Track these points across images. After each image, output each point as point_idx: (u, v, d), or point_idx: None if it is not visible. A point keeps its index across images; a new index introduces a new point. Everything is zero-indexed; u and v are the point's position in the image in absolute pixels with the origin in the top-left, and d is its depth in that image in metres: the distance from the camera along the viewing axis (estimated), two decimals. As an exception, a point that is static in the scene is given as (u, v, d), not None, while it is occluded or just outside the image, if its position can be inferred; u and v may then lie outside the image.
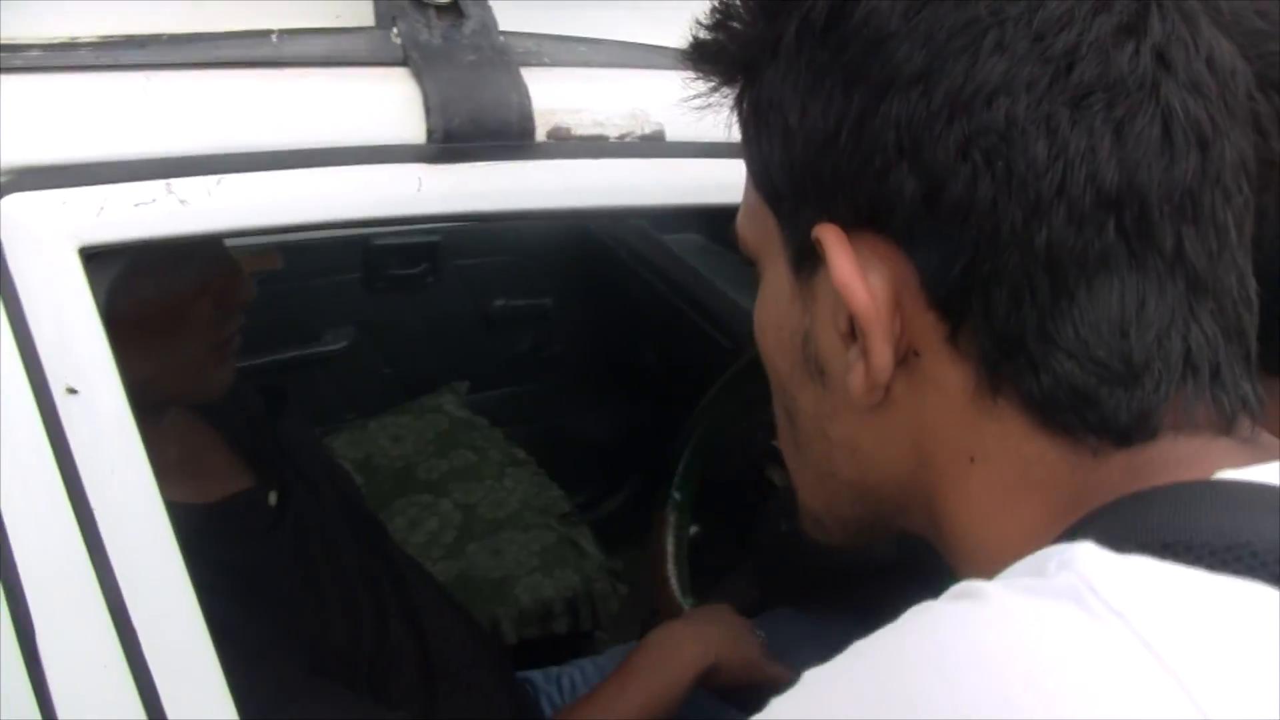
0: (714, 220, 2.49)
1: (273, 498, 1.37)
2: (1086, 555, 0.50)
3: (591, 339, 2.68)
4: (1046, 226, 0.56)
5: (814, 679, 0.52)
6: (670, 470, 1.77)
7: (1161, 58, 0.57)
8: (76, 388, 0.83)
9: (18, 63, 0.84)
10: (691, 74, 0.70)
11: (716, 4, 0.68)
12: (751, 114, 0.66)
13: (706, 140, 1.03)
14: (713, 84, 0.69)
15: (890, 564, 1.47)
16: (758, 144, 0.66)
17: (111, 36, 0.88)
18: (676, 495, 1.75)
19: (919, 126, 0.57)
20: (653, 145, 1.02)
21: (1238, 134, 0.60)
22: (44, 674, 0.83)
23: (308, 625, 1.37)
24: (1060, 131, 0.56)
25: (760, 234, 0.69)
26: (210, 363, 1.29)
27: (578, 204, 1.01)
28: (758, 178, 0.68)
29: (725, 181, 1.04)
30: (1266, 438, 0.61)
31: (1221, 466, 0.58)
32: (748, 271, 2.26)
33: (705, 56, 0.69)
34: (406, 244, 2.42)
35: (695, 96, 0.70)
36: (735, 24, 0.67)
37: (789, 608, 1.70)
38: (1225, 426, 0.60)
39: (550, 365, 2.67)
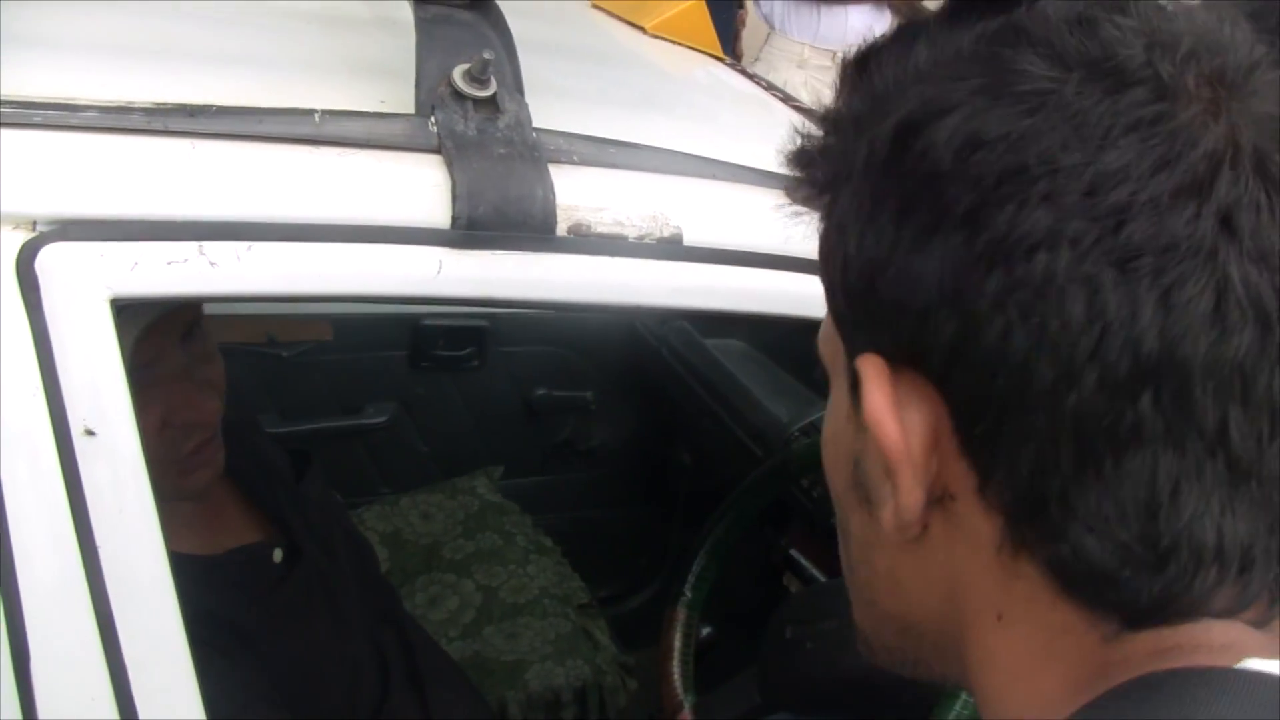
0: (756, 327, 2.53)
1: (278, 554, 1.40)
2: None
3: (629, 435, 2.71)
4: (1076, 391, 0.52)
5: None
6: (684, 571, 1.79)
7: (1226, 222, 0.52)
8: (95, 430, 0.87)
9: (74, 121, 0.90)
10: (790, 181, 0.68)
11: (823, 113, 0.66)
12: (826, 233, 0.64)
13: (723, 247, 1.07)
14: (806, 192, 0.66)
15: (889, 677, 1.47)
16: (828, 263, 0.64)
17: (165, 103, 0.93)
18: (688, 594, 1.76)
19: (960, 271, 0.54)
20: (670, 248, 1.05)
21: None
22: (34, 699, 0.86)
23: (303, 684, 1.39)
24: (1101, 293, 0.52)
25: (832, 351, 0.67)
26: (175, 474, 1.28)
27: (592, 299, 1.04)
28: (829, 297, 0.65)
29: (739, 287, 1.08)
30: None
31: (1248, 655, 0.56)
32: (783, 379, 2.29)
33: (803, 167, 0.66)
34: (454, 326, 2.47)
35: (788, 203, 0.68)
36: (831, 136, 0.65)
37: (788, 713, 1.70)
38: (1255, 615, 0.57)
39: (586, 457, 2.69)
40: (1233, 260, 0.52)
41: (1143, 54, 0.54)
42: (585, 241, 1.02)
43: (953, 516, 0.60)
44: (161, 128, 0.92)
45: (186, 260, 0.90)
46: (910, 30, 0.62)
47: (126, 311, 0.89)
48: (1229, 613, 0.56)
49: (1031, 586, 0.58)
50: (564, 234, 1.01)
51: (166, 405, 1.23)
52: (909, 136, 0.57)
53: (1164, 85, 0.54)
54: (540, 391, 2.61)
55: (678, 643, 1.74)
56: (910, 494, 0.59)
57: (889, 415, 0.58)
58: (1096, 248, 0.52)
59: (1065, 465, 0.54)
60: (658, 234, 1.05)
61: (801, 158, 0.66)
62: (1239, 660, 0.55)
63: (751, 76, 1.61)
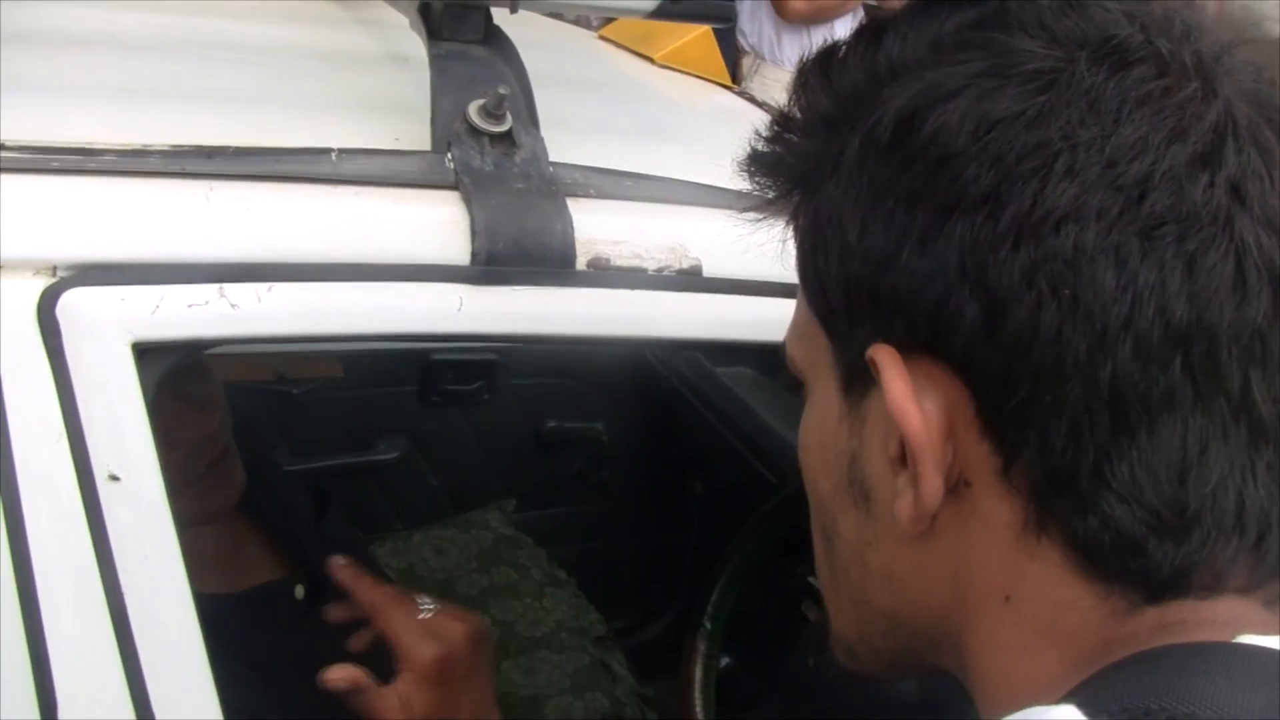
0: (766, 355, 2.52)
1: (299, 590, 1.40)
2: None
3: (641, 465, 2.70)
4: (1111, 360, 0.54)
5: None
6: (702, 601, 1.78)
7: (1236, 191, 0.55)
8: (119, 475, 0.87)
9: (91, 165, 0.90)
10: (744, 185, 0.69)
11: (776, 117, 0.67)
12: (808, 229, 0.64)
13: (743, 278, 1.06)
14: (769, 197, 0.67)
15: (913, 703, 1.47)
16: (813, 260, 0.64)
17: (181, 145, 0.93)
18: (708, 625, 1.76)
19: (984, 249, 0.55)
20: (689, 280, 1.05)
21: None
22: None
23: (329, 715, 1.38)
24: (1130, 262, 0.54)
25: (810, 353, 0.67)
26: (193, 496, 1.27)
27: (612, 332, 1.04)
28: (811, 294, 0.65)
29: (759, 318, 1.08)
30: None
31: (1246, 630, 0.57)
32: (796, 406, 2.28)
33: (763, 168, 0.67)
34: (464, 360, 2.46)
35: (749, 209, 0.69)
36: (795, 137, 0.65)
37: (811, 743, 1.70)
38: (1259, 592, 0.58)
39: (599, 489, 2.68)
40: (1247, 227, 0.54)
41: (1141, 33, 0.57)
42: (605, 275, 1.02)
43: (966, 505, 0.60)
44: (179, 170, 0.92)
45: (207, 303, 0.89)
46: (872, 29, 0.63)
47: (148, 355, 0.89)
48: (1243, 590, 0.57)
49: (1045, 566, 0.58)
50: (583, 268, 1.01)
51: (163, 428, 1.22)
52: (914, 122, 0.57)
53: (1165, 62, 0.57)
54: (551, 423, 2.60)
55: (698, 673, 1.74)
56: (932, 481, 0.59)
57: (912, 403, 0.58)
58: (1122, 218, 0.54)
59: (1100, 435, 0.55)
60: (677, 266, 1.05)
61: (762, 161, 0.67)
62: (1235, 636, 0.56)
63: (762, 105, 1.61)
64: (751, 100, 1.65)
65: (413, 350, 2.40)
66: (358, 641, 1.25)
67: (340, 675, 1.17)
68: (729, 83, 1.69)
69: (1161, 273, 0.54)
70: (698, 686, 1.73)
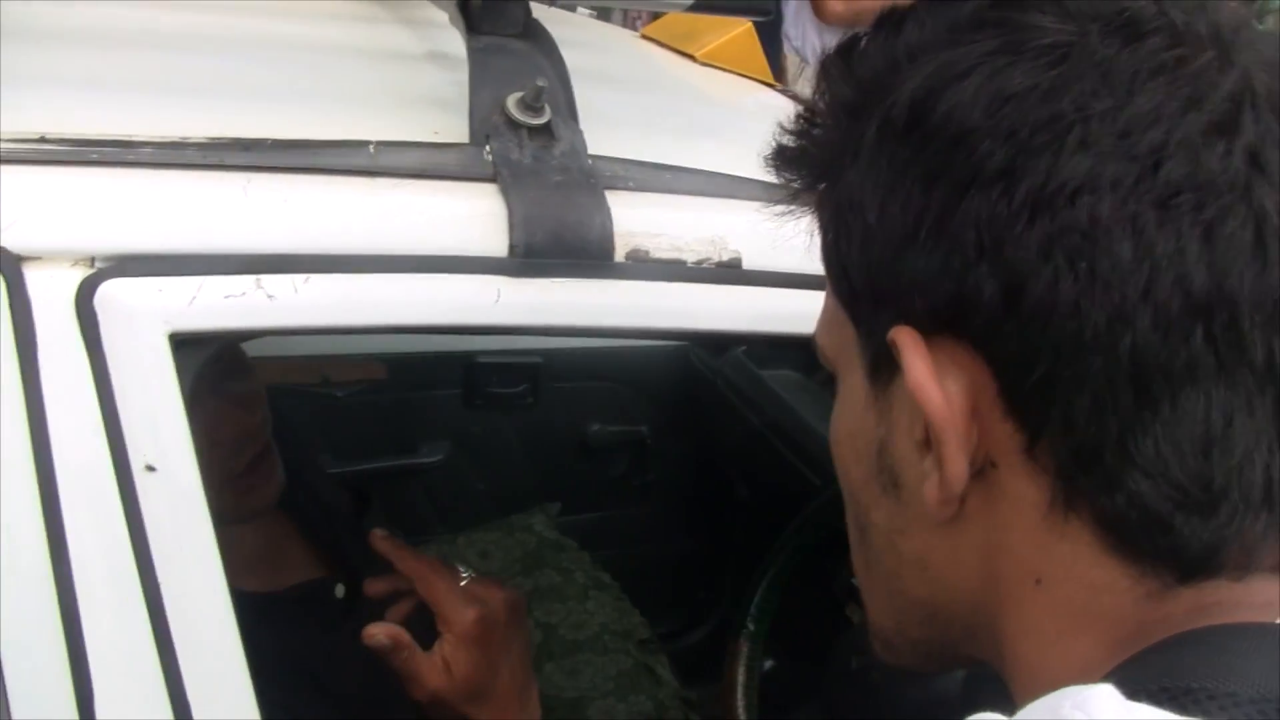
0: (808, 353, 2.50)
1: (340, 590, 1.40)
2: (1101, 700, 0.50)
3: (685, 469, 2.69)
4: (1131, 332, 0.54)
5: None
6: (745, 602, 1.78)
7: (1254, 159, 0.55)
8: (155, 466, 0.87)
9: (130, 158, 0.90)
10: (774, 181, 0.70)
11: (801, 110, 0.68)
12: (831, 216, 0.65)
13: (783, 270, 1.06)
14: (795, 190, 0.68)
15: (957, 701, 1.45)
16: (836, 246, 0.65)
17: (219, 138, 0.93)
18: (751, 626, 1.75)
19: (1000, 225, 0.55)
20: (729, 272, 1.04)
21: None
22: (99, 740, 0.86)
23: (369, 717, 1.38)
24: (1146, 232, 0.53)
25: (838, 342, 0.68)
26: (234, 493, 1.29)
27: (651, 324, 1.03)
28: (836, 281, 0.66)
29: (799, 311, 1.06)
30: None
31: None
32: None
33: (788, 161, 0.68)
34: (508, 364, 2.46)
35: (778, 203, 0.70)
36: (819, 128, 0.66)
37: (854, 746, 1.68)
38: None
39: (643, 492, 2.67)
40: (1266, 194, 0.54)
41: (1154, 5, 0.57)
42: (643, 267, 1.01)
43: (993, 487, 0.60)
44: (217, 162, 0.92)
45: (244, 294, 0.89)
46: (892, 18, 0.63)
47: (185, 346, 0.89)
48: (1277, 568, 0.57)
49: (1075, 547, 0.58)
50: (622, 260, 1.00)
51: (204, 424, 1.23)
52: (928, 101, 0.58)
53: (1179, 33, 0.56)
54: (595, 427, 2.60)
55: (741, 675, 1.73)
56: (956, 462, 0.59)
57: (932, 382, 0.59)
58: (1138, 188, 0.53)
59: (1123, 409, 0.55)
60: (716, 258, 1.04)
61: (787, 154, 0.68)
62: (1276, 617, 0.56)
63: (804, 102, 1.60)
64: (794, 98, 1.64)
65: (456, 353, 2.40)
66: (394, 613, 1.26)
67: (381, 631, 1.19)
68: (771, 80, 1.68)
69: (1179, 241, 0.53)
70: (740, 688, 1.72)
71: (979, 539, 0.62)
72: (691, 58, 1.63)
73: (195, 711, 0.88)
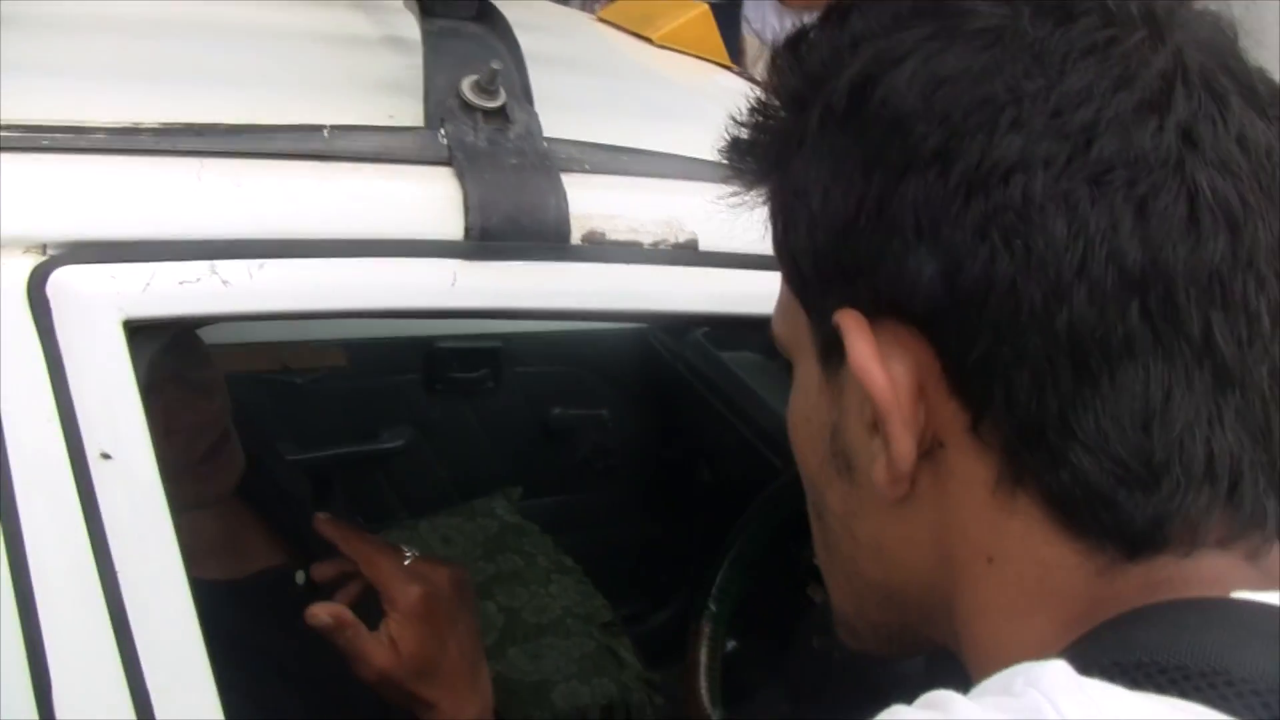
0: (769, 339, 2.50)
1: (300, 576, 1.39)
2: (1053, 675, 0.50)
3: (647, 452, 2.70)
4: (1067, 308, 0.54)
5: None
6: (708, 584, 1.78)
7: (1187, 135, 0.55)
8: (111, 454, 0.86)
9: (82, 144, 0.89)
10: (728, 172, 0.70)
11: (752, 101, 0.68)
12: (780, 205, 0.66)
13: (738, 252, 1.06)
14: (749, 180, 0.69)
15: (919, 682, 1.46)
16: (786, 234, 0.65)
17: (172, 123, 0.93)
18: (713, 607, 1.75)
19: (937, 206, 0.56)
20: (685, 254, 1.04)
21: (1274, 216, 0.57)
22: (56, 727, 0.85)
23: (332, 709, 1.38)
24: (1080, 209, 0.54)
25: (792, 329, 0.69)
26: (192, 480, 1.28)
27: (608, 306, 1.03)
28: (787, 270, 0.67)
29: (755, 293, 1.06)
30: (1274, 561, 0.59)
31: (1238, 587, 0.56)
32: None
33: (742, 153, 0.69)
34: (468, 349, 2.46)
35: (732, 194, 0.70)
36: (769, 119, 0.67)
37: (817, 724, 1.69)
38: (1239, 544, 0.58)
39: (605, 476, 2.67)
40: (1199, 169, 0.55)
41: None
42: (600, 249, 1.01)
43: (941, 467, 0.61)
44: (170, 147, 0.92)
45: (199, 280, 0.89)
46: (839, 9, 0.64)
47: (140, 333, 0.88)
48: (1223, 543, 0.57)
49: (1025, 524, 0.59)
50: (578, 243, 1.00)
51: (162, 412, 1.22)
52: (866, 88, 0.59)
53: (1110, 13, 0.57)
54: (556, 411, 2.60)
55: (704, 656, 1.74)
56: (902, 442, 0.59)
57: (875, 363, 0.59)
58: (1070, 166, 0.54)
59: (1063, 385, 0.55)
60: (672, 240, 1.04)
61: (740, 146, 0.69)
62: (1227, 593, 0.56)
63: (760, 84, 1.60)
64: (752, 80, 1.64)
65: (417, 338, 2.40)
66: (343, 596, 1.26)
67: (324, 610, 1.20)
68: (728, 62, 1.68)
69: (1112, 217, 0.54)
70: (703, 669, 1.73)
71: (931, 519, 0.63)
72: (649, 40, 1.63)
73: (155, 701, 0.88)
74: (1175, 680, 0.50)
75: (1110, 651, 0.53)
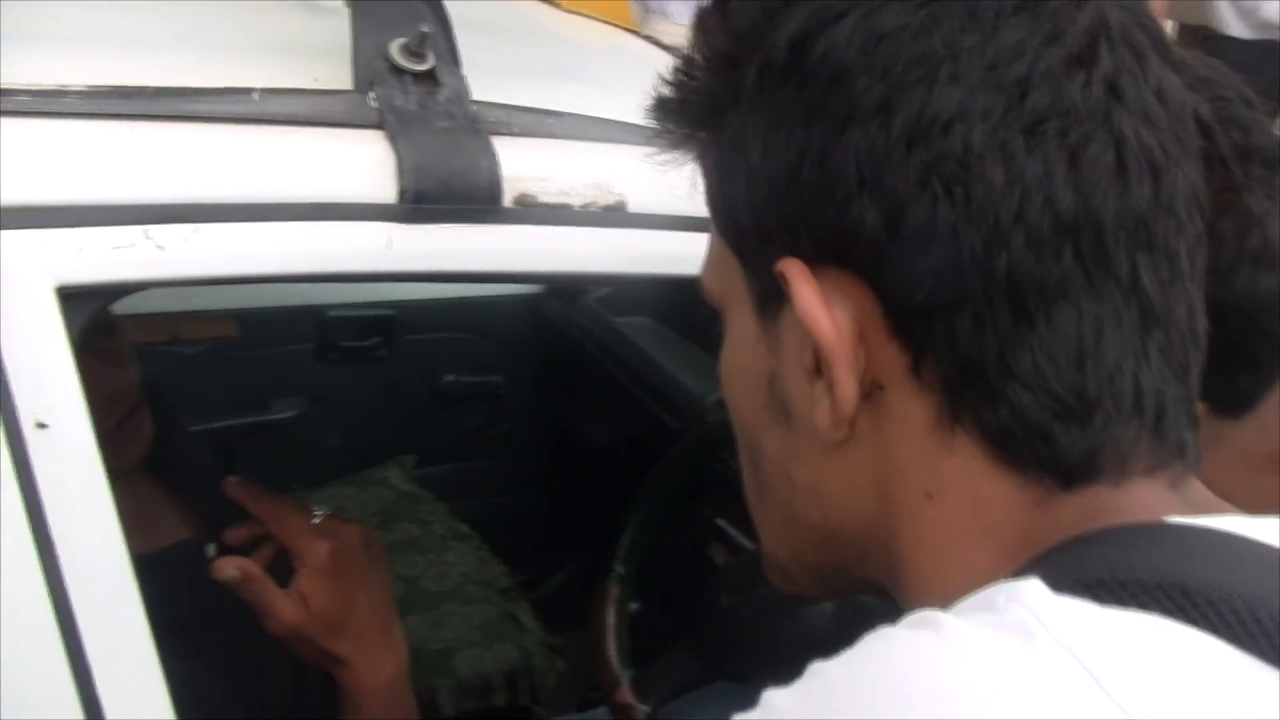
0: (663, 304, 2.53)
1: (211, 549, 1.38)
2: (1033, 591, 0.52)
3: (540, 418, 2.70)
4: (1006, 252, 0.57)
5: (773, 699, 0.53)
6: (614, 545, 1.79)
7: (1112, 88, 0.58)
8: (46, 422, 0.85)
9: (8, 107, 0.87)
10: (656, 131, 0.71)
11: (678, 61, 0.69)
12: (715, 160, 0.67)
13: (666, 213, 1.07)
14: (677, 137, 0.70)
15: (826, 637, 1.49)
16: (721, 188, 0.67)
17: (99, 86, 0.91)
18: (620, 569, 1.76)
19: (879, 156, 0.58)
20: (615, 215, 1.05)
21: (1189, 165, 0.61)
22: (-1, 704, 0.84)
23: (249, 683, 1.37)
24: (1016, 158, 0.57)
25: (725, 282, 0.70)
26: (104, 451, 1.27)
27: (542, 268, 1.04)
28: (722, 223, 0.68)
29: (682, 253, 1.08)
30: (1195, 489, 0.63)
31: (1167, 513, 0.59)
32: (695, 353, 2.29)
33: (669, 112, 0.70)
34: (360, 316, 2.44)
35: (660, 151, 0.71)
36: (697, 77, 0.68)
37: (728, 681, 1.71)
38: (1163, 474, 0.61)
39: (499, 443, 2.67)
40: (1125, 120, 0.58)
41: None
42: (532, 212, 1.01)
43: (880, 408, 0.63)
44: (97, 110, 0.90)
45: (133, 245, 0.87)
46: None
47: (73, 299, 0.87)
48: (1150, 471, 0.61)
49: (964, 460, 0.61)
50: (510, 205, 1.00)
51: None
52: (806, 43, 0.60)
53: None
54: (449, 378, 2.59)
55: (611, 618, 1.74)
56: (846, 385, 0.61)
57: (820, 308, 0.61)
58: (1006, 117, 0.57)
59: (1002, 325, 0.58)
60: (602, 202, 1.05)
61: (668, 105, 0.70)
62: (1160, 519, 0.59)
63: (668, 48, 1.61)
64: (656, 44, 1.65)
65: (308, 307, 2.37)
66: (257, 559, 1.26)
67: (230, 564, 1.21)
68: (634, 27, 1.68)
69: (1047, 165, 0.57)
70: (612, 631, 1.73)
71: (869, 460, 0.64)
72: (555, 4, 1.63)
73: (97, 672, 0.87)
74: (1135, 594, 0.53)
75: (1068, 572, 0.55)
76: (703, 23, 0.68)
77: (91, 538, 0.87)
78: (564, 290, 2.58)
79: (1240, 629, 0.51)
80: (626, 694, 1.64)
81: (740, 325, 0.70)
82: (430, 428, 2.61)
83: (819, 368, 0.63)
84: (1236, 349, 0.90)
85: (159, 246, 0.88)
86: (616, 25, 1.66)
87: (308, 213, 0.93)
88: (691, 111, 0.69)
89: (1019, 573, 0.57)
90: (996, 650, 0.50)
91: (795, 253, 0.62)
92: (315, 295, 2.38)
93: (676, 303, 2.49)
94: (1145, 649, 0.51)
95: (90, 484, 0.87)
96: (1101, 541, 0.58)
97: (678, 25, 4.36)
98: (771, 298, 0.65)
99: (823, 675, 0.53)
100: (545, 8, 1.64)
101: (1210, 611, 0.52)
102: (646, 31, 4.31)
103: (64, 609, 0.86)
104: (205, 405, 2.29)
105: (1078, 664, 0.48)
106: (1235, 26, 4.49)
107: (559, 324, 2.59)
